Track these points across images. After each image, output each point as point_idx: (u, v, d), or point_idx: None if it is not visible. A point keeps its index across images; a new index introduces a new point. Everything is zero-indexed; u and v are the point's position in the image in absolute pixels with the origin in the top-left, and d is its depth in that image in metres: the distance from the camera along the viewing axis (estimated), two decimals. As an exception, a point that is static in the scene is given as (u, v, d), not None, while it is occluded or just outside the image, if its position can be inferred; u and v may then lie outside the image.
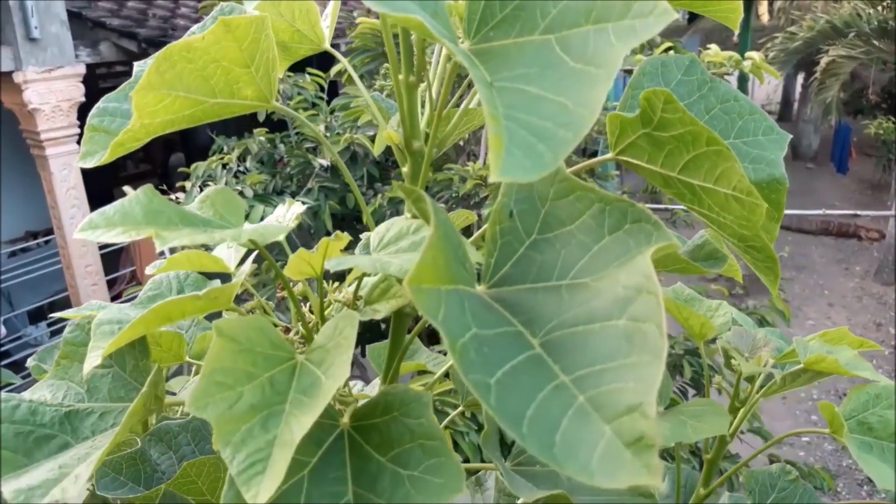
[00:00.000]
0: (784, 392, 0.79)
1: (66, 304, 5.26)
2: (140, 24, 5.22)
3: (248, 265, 0.53)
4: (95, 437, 0.48)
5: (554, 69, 0.36)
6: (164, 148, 8.96)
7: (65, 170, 4.75)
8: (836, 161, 11.60)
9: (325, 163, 2.98)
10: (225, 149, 3.46)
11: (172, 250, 0.50)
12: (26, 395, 0.50)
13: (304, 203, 2.89)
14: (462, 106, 0.59)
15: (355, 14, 3.77)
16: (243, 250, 0.61)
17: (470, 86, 0.62)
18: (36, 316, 5.79)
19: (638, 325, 0.33)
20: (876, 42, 9.11)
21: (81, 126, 4.60)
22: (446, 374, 0.76)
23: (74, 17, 4.89)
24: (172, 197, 2.71)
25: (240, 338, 0.44)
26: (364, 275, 0.62)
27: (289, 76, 3.59)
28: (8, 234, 6.67)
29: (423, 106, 0.59)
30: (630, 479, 0.29)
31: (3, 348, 5.30)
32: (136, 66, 0.52)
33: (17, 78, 4.43)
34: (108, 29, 5.05)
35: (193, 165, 3.02)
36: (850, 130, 11.31)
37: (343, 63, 0.65)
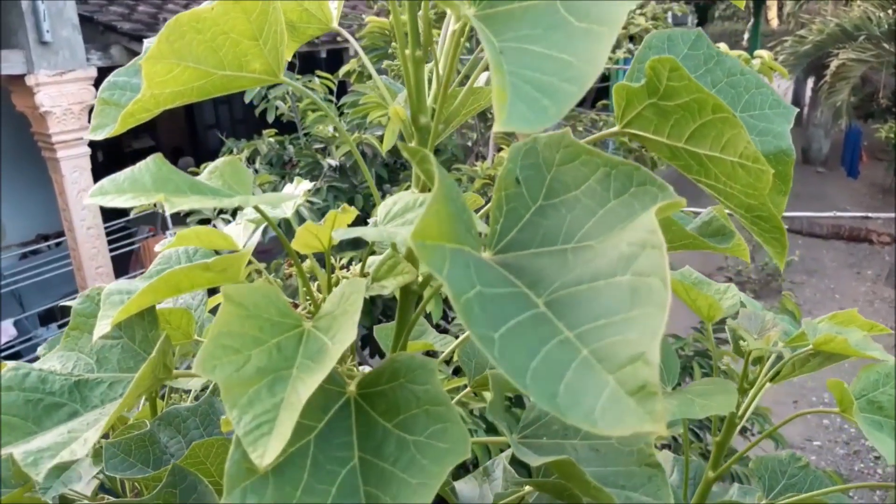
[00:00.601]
0: (794, 377, 0.78)
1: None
2: (151, 28, 5.26)
3: (256, 238, 0.53)
4: (104, 406, 0.48)
5: (558, 29, 0.36)
6: (173, 153, 9.02)
7: (76, 172, 4.79)
8: (846, 165, 11.53)
9: (334, 163, 2.99)
10: (234, 151, 3.48)
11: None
12: (36, 365, 0.51)
13: (312, 203, 2.90)
14: (468, 83, 0.59)
15: (364, 17, 3.79)
16: (252, 229, 0.61)
17: (475, 65, 0.62)
18: (47, 318, 5.83)
19: (642, 279, 0.33)
20: (886, 45, 9.06)
21: (93, 128, 4.63)
22: (452, 365, 0.76)
23: (86, 21, 4.93)
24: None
25: (247, 303, 0.44)
26: (371, 252, 0.63)
27: (298, 78, 3.61)
28: (20, 237, 6.72)
29: (430, 84, 0.59)
30: (634, 425, 0.29)
31: (14, 349, 5.33)
32: (146, 42, 0.52)
33: (30, 81, 4.47)
34: (119, 33, 5.09)
35: (203, 165, 3.04)
36: (861, 134, 11.25)
37: (352, 42, 0.66)
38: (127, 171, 0.45)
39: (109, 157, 8.04)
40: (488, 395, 1.91)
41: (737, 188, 0.47)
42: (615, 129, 0.52)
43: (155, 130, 9.07)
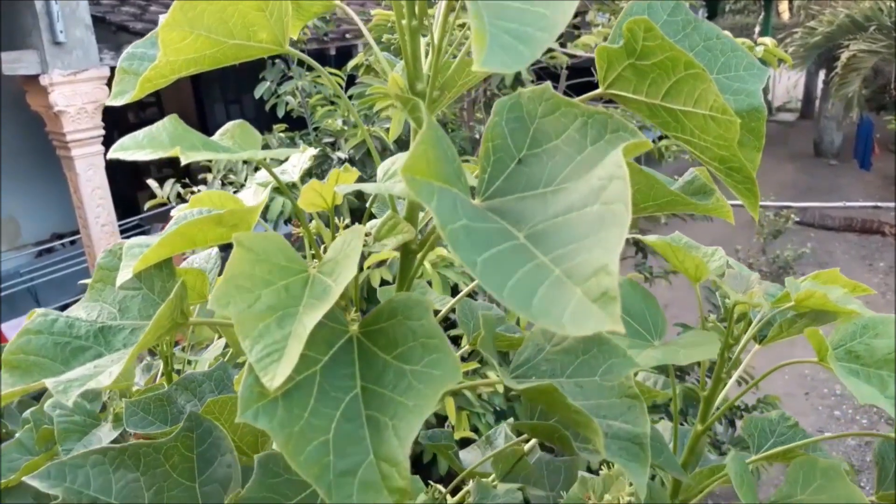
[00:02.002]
0: (782, 339, 0.81)
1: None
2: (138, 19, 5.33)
3: (266, 195, 0.57)
4: (127, 349, 0.53)
5: (535, -13, 0.40)
6: (186, 151, 9.10)
7: (90, 170, 4.86)
8: (859, 157, 11.47)
9: (343, 156, 3.04)
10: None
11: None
12: (63, 313, 0.55)
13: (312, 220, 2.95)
14: (461, 53, 0.63)
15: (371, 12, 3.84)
16: (262, 193, 0.65)
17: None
18: (63, 315, 5.92)
19: (609, 206, 0.37)
20: (897, 36, 9.01)
21: (106, 127, 4.69)
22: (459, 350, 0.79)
23: (98, 21, 5.00)
24: (194, 189, 2.78)
25: (257, 249, 0.48)
26: (371, 216, 0.67)
27: (306, 75, 3.67)
28: (35, 236, 6.82)
29: (426, 57, 0.63)
30: (595, 326, 0.32)
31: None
32: (161, 16, 0.56)
33: (44, 81, 4.55)
34: (131, 32, 5.16)
35: (215, 160, 3.09)
36: (873, 126, 11.19)
37: (355, 20, 0.70)
38: (145, 129, 0.49)
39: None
40: (492, 375, 1.94)
41: (709, 140, 0.51)
42: (599, 91, 0.56)
43: (167, 130, 9.16)
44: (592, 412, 0.50)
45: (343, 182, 0.56)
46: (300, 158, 0.65)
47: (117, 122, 6.25)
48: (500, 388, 2.30)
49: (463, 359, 2.43)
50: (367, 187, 0.53)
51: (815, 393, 6.34)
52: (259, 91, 3.50)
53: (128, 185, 7.26)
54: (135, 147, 0.48)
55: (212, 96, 8.96)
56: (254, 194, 0.65)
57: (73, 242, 6.54)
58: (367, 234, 0.65)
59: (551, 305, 0.34)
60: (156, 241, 0.53)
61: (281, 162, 0.67)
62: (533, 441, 0.91)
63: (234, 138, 0.53)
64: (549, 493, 0.86)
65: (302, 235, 0.65)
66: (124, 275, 0.53)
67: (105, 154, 4.88)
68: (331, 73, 3.57)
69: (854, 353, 0.65)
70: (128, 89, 0.56)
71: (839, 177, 11.72)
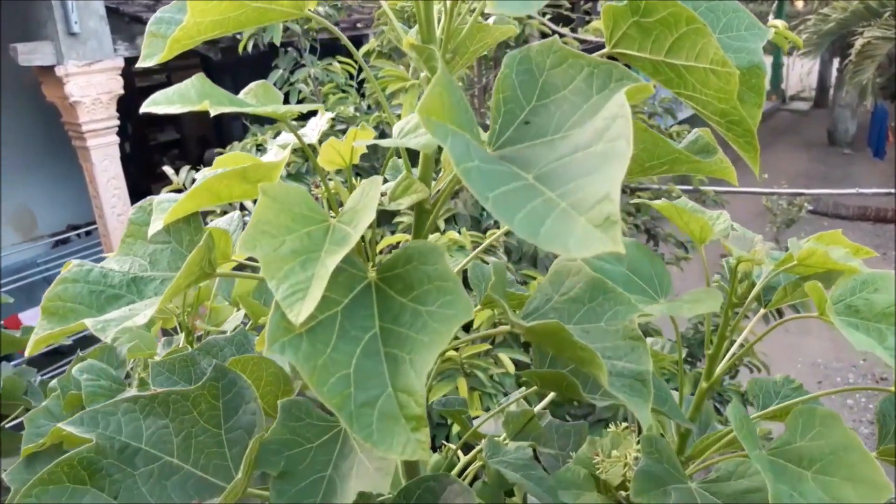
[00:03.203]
0: (787, 303, 0.83)
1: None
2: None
3: (288, 153, 0.60)
4: (158, 297, 0.56)
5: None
6: (199, 144, 9.18)
7: (105, 160, 4.93)
8: (872, 145, 11.38)
9: (356, 143, 3.06)
10: (259, 136, 3.57)
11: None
12: (97, 265, 0.58)
13: (331, 181, 2.98)
14: (472, 17, 0.65)
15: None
16: (283, 154, 0.68)
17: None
18: (80, 304, 6.00)
19: (612, 144, 0.39)
20: (912, 22, 8.92)
21: (121, 118, 4.73)
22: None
23: (112, 12, 5.05)
24: (209, 175, 2.81)
25: (281, 199, 0.51)
26: (385, 182, 0.69)
27: (317, 64, 3.70)
28: (51, 227, 6.90)
29: (439, 22, 0.65)
30: (598, 248, 0.35)
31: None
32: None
33: (59, 72, 4.60)
34: (145, 23, 5.18)
35: (229, 146, 3.13)
36: (887, 114, 11.09)
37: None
38: (175, 86, 0.52)
39: (136, 148, 8.22)
40: (504, 358, 1.96)
41: (710, 94, 0.53)
42: (605, 50, 0.58)
43: (180, 123, 9.24)
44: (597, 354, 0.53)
45: (361, 138, 0.59)
46: (318, 121, 0.67)
47: (130, 114, 6.31)
48: (512, 370, 2.33)
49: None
50: (384, 142, 0.55)
51: (827, 382, 6.32)
52: (272, 78, 3.53)
53: (143, 175, 7.34)
54: (166, 102, 0.50)
55: (224, 87, 8.99)
56: (275, 155, 0.68)
57: (88, 233, 6.62)
58: (382, 195, 0.68)
59: (558, 233, 0.37)
60: (184, 195, 0.56)
61: (301, 126, 0.70)
62: (544, 403, 0.94)
63: (256, 97, 0.56)
64: (558, 453, 0.89)
65: (321, 196, 0.67)
66: (155, 226, 0.56)
67: (120, 144, 4.92)
68: (342, 62, 3.61)
69: (853, 307, 0.67)
70: (156, 52, 0.59)
71: (853, 165, 11.64)
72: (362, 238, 0.59)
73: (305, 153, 0.60)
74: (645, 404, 0.52)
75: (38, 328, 0.53)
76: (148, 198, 0.62)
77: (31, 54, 4.50)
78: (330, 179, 0.65)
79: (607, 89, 0.46)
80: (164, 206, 0.57)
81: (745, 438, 0.58)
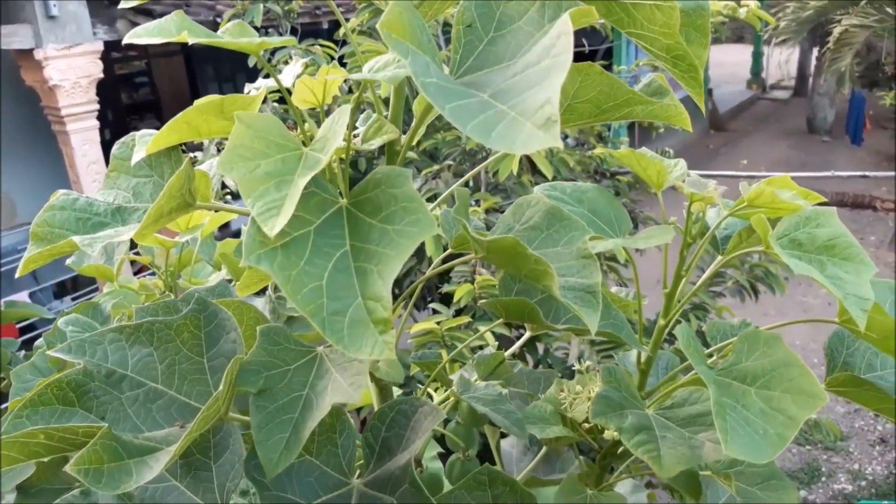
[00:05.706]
0: (741, 251, 0.88)
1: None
2: (155, 2, 5.34)
3: (265, 87, 0.63)
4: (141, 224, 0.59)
5: None
6: (181, 131, 9.11)
7: (85, 145, 4.91)
8: (850, 132, 11.53)
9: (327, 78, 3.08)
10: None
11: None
12: (82, 194, 0.61)
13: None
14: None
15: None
16: (261, 89, 0.71)
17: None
18: (60, 291, 5.98)
19: (556, 59, 0.43)
20: (889, 9, 9.03)
21: (101, 105, 4.70)
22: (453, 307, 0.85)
23: (91, -5, 5.01)
24: (191, 155, 2.82)
25: (256, 126, 0.55)
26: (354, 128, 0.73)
27: (299, 48, 3.71)
28: (31, 215, 6.84)
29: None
30: (541, 145, 0.39)
31: (29, 321, 5.48)
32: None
33: (38, 55, 4.58)
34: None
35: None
36: (864, 101, 11.24)
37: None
38: (155, 21, 0.55)
39: (116, 135, 8.17)
40: (483, 328, 1.99)
41: (656, 30, 0.57)
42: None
43: (160, 112, 9.18)
44: (554, 272, 0.57)
45: (332, 73, 0.62)
46: (293, 67, 0.71)
47: (109, 101, 6.27)
48: (492, 342, 2.38)
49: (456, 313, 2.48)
50: (355, 76, 0.59)
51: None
52: (252, 60, 3.53)
53: (123, 163, 7.27)
54: (146, 35, 0.54)
55: (205, 75, 8.97)
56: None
57: (69, 220, 6.59)
58: (354, 135, 0.72)
59: (506, 135, 0.41)
60: (164, 127, 0.60)
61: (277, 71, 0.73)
62: (513, 349, 0.98)
63: (232, 35, 0.59)
64: (528, 394, 0.94)
65: (296, 135, 0.71)
66: (138, 156, 0.60)
67: (101, 130, 4.89)
68: (323, 46, 3.62)
69: (797, 241, 0.72)
70: (137, -8, 0.62)
71: (831, 153, 11.79)
72: (335, 171, 0.63)
73: (281, 92, 0.63)
74: (594, 313, 0.57)
75: (28, 251, 0.56)
76: (130, 133, 0.65)
77: (10, 37, 4.47)
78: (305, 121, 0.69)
79: (558, 18, 0.50)
80: (146, 140, 0.61)
81: (693, 355, 0.63)
